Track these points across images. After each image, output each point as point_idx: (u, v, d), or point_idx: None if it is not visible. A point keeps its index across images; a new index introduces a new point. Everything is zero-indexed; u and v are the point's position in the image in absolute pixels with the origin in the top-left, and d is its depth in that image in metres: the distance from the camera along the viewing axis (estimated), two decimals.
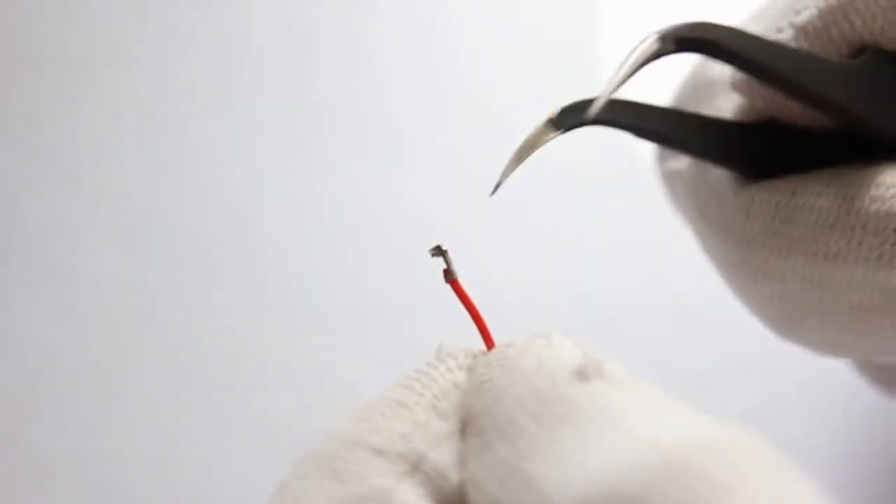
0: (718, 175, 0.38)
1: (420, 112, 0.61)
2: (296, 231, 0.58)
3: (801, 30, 0.35)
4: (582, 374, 0.26)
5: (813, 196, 0.35)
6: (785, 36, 0.35)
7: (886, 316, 0.34)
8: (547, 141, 0.32)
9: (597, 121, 0.32)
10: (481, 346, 0.30)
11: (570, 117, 0.32)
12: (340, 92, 0.62)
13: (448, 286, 0.30)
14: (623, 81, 0.30)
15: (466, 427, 0.27)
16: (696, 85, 0.40)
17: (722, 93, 0.39)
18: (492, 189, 0.31)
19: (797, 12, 0.35)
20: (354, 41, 0.61)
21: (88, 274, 0.57)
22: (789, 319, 0.37)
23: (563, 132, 0.32)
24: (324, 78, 0.62)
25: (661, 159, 0.42)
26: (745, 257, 0.37)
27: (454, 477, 0.26)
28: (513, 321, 0.31)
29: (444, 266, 0.30)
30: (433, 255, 0.30)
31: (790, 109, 0.36)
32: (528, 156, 0.32)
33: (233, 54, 0.63)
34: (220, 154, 0.60)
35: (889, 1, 0.35)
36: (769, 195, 0.36)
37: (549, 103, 0.40)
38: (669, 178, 0.42)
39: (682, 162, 0.40)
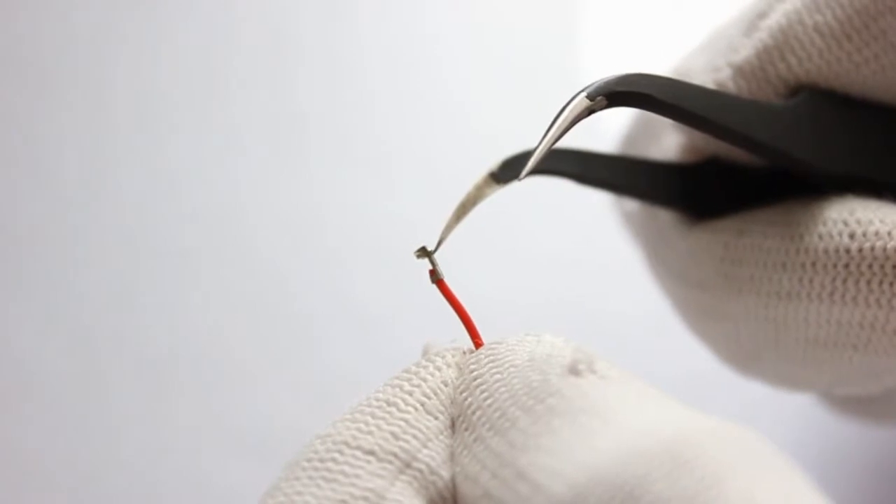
0: (666, 217, 0.38)
1: (404, 119, 0.61)
2: (283, 235, 0.58)
3: (738, 69, 0.35)
4: (573, 369, 0.26)
5: (760, 236, 0.35)
6: (723, 75, 0.35)
7: (842, 350, 0.34)
8: (488, 195, 0.32)
9: (538, 172, 0.32)
10: (469, 345, 0.30)
11: (510, 171, 0.32)
12: (325, 99, 0.62)
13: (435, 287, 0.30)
14: (556, 140, 0.30)
15: (457, 422, 0.28)
16: (645, 123, 0.41)
17: (666, 131, 0.39)
18: (434, 246, 0.31)
19: (735, 51, 0.36)
20: (339, 50, 0.62)
21: (76, 279, 0.57)
22: (745, 357, 0.37)
23: (503, 185, 0.32)
24: (309, 85, 0.62)
25: (618, 201, 0.42)
26: (698, 299, 0.37)
27: (445, 474, 0.26)
28: (502, 326, 0.31)
29: (430, 267, 0.30)
30: (418, 257, 0.30)
31: (731, 148, 0.36)
32: (469, 211, 0.32)
33: (219, 61, 0.63)
34: (207, 160, 0.60)
35: (824, 41, 0.35)
36: (716, 236, 0.36)
37: (532, 111, 0.40)
38: (626, 219, 0.42)
39: (632, 204, 0.40)
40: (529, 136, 0.34)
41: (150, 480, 0.52)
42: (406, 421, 0.27)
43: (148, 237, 0.58)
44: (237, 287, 0.57)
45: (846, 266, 0.33)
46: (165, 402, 0.54)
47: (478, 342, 0.30)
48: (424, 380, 0.28)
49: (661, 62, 0.43)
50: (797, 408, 0.51)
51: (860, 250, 0.33)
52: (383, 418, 0.27)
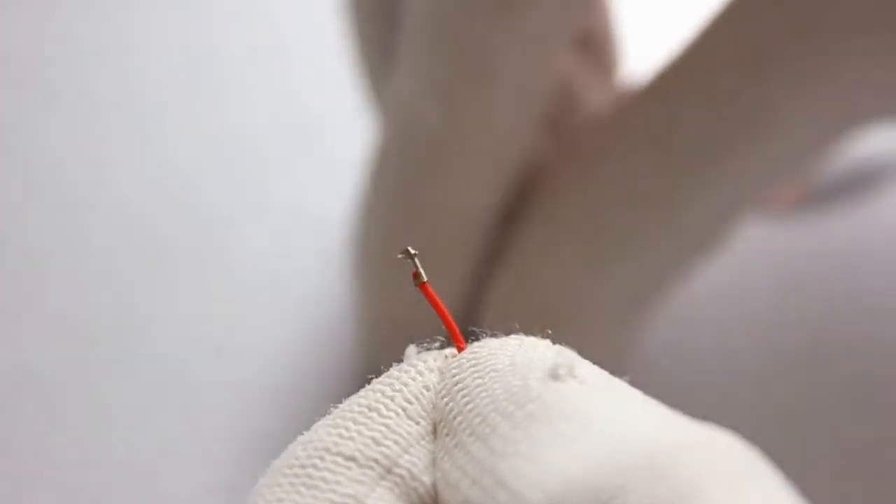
0: None
1: None
2: (274, 236, 0.58)
3: None
4: (554, 374, 0.26)
5: None
6: None
7: None
8: None
9: None
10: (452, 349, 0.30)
11: None
12: (322, 98, 0.62)
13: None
14: None
15: (439, 428, 0.27)
16: None
17: None
18: None
19: None
20: (333, 48, 0.61)
21: (72, 280, 0.57)
22: None
23: None
24: (304, 85, 0.63)
25: None
26: None
27: (427, 479, 0.26)
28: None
29: (413, 269, 0.30)
30: (402, 259, 0.30)
31: None
32: None
33: (212, 59, 0.63)
34: (199, 160, 0.60)
35: None
36: None
37: None
38: None
39: None
40: None
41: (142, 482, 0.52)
42: (387, 426, 0.27)
43: (145, 236, 0.58)
44: (228, 290, 0.56)
45: None
46: (159, 403, 0.54)
47: (460, 346, 0.29)
48: (406, 384, 0.28)
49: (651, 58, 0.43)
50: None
51: None
52: (364, 424, 0.27)
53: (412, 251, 0.30)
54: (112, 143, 0.61)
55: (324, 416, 0.28)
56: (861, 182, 0.53)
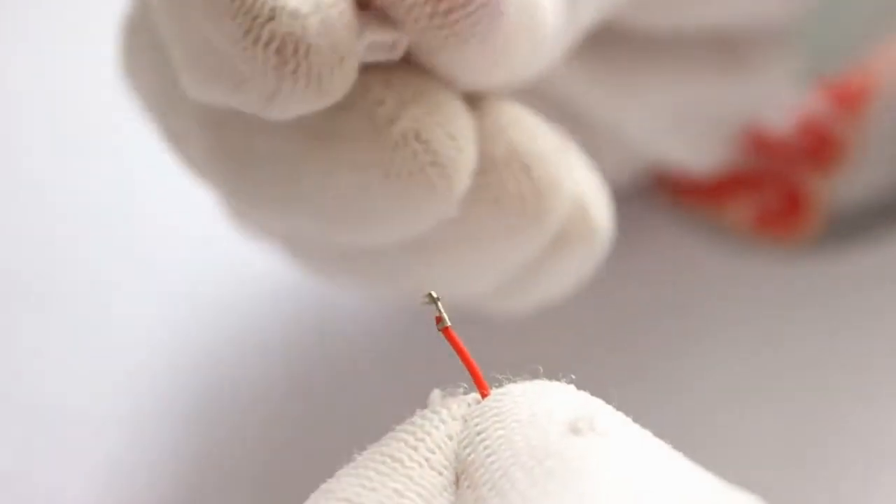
0: None
1: None
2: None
3: None
4: (574, 428, 0.26)
5: None
6: None
7: None
8: None
9: None
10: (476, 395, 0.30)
11: None
12: None
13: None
14: None
15: (460, 479, 0.27)
16: None
17: None
18: None
19: None
20: None
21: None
22: None
23: None
24: None
25: None
26: None
27: None
28: None
29: (436, 314, 0.30)
30: (424, 304, 0.30)
31: None
32: None
33: None
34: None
35: None
36: None
37: None
38: None
39: None
40: None
41: None
42: (410, 478, 0.27)
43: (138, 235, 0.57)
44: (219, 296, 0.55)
45: None
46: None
47: (484, 392, 0.29)
48: (429, 433, 0.28)
49: None
50: None
51: None
52: (388, 474, 0.27)
53: (434, 296, 0.30)
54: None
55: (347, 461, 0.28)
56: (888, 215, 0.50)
